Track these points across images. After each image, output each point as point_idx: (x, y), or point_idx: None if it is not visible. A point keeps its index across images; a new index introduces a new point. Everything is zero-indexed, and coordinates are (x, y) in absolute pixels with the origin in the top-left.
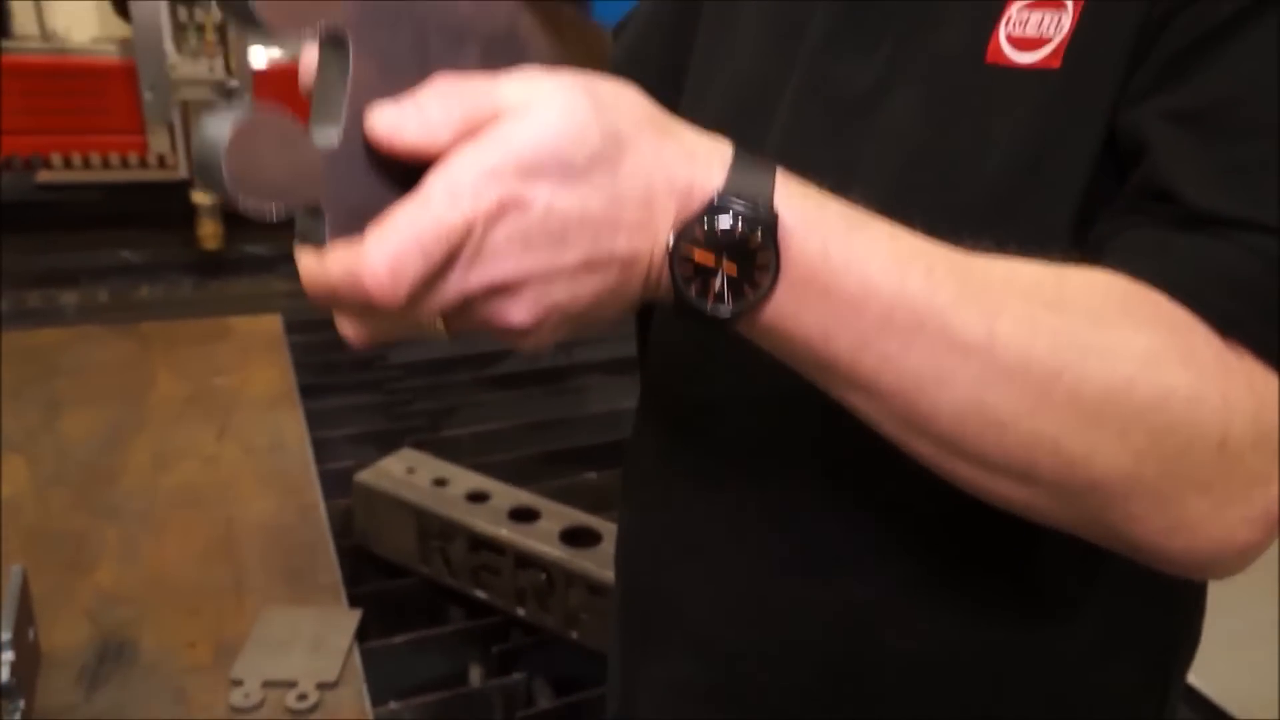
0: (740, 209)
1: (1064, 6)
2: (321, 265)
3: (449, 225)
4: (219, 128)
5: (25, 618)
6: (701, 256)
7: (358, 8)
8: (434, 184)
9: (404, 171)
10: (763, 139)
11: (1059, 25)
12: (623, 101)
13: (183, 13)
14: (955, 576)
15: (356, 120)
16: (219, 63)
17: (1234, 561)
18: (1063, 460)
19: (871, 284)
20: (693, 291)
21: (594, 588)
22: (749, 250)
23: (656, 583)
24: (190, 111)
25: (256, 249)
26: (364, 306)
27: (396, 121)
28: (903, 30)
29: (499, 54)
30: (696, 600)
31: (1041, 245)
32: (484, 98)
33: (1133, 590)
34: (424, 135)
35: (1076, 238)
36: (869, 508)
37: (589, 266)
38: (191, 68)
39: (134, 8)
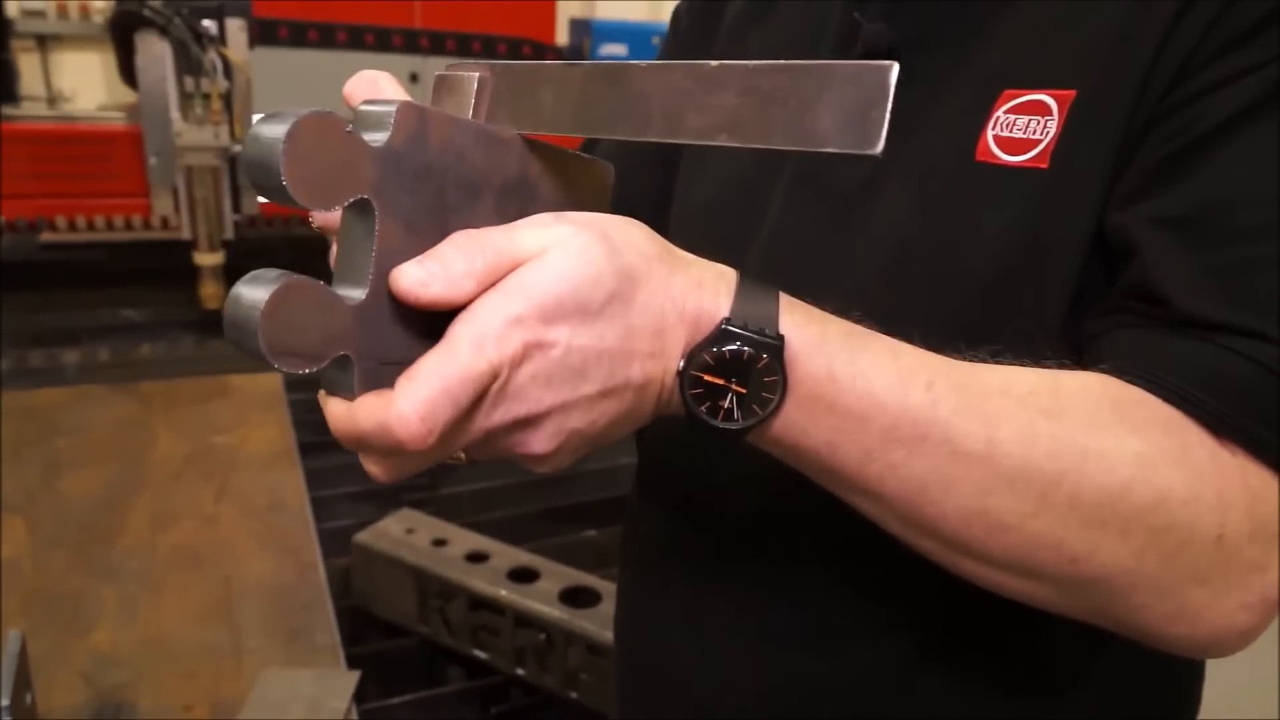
0: (747, 334)
1: (1050, 112)
2: (350, 415)
3: (476, 372)
4: (253, 297)
5: (23, 683)
6: (711, 378)
7: (382, 178)
8: (460, 333)
9: (428, 320)
10: (759, 224)
11: (1045, 129)
12: (632, 238)
13: (189, 82)
14: (956, 651)
15: (383, 278)
16: (224, 130)
17: (1235, 643)
18: (1065, 558)
19: (876, 399)
20: (703, 410)
21: (594, 648)
22: (756, 372)
23: (656, 652)
24: (194, 176)
25: None
26: (393, 451)
27: (422, 278)
28: (894, 127)
29: (511, 199)
30: (697, 671)
31: (1034, 335)
32: (503, 247)
33: (1133, 663)
34: (448, 289)
35: (1069, 327)
36: (870, 583)
37: (605, 394)
38: (196, 135)
39: (141, 76)
